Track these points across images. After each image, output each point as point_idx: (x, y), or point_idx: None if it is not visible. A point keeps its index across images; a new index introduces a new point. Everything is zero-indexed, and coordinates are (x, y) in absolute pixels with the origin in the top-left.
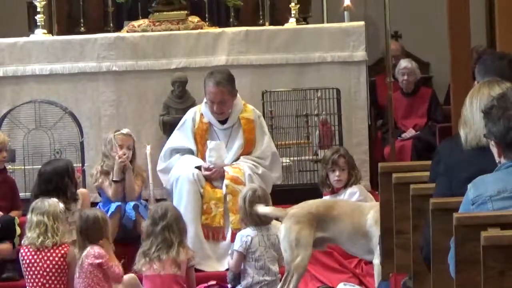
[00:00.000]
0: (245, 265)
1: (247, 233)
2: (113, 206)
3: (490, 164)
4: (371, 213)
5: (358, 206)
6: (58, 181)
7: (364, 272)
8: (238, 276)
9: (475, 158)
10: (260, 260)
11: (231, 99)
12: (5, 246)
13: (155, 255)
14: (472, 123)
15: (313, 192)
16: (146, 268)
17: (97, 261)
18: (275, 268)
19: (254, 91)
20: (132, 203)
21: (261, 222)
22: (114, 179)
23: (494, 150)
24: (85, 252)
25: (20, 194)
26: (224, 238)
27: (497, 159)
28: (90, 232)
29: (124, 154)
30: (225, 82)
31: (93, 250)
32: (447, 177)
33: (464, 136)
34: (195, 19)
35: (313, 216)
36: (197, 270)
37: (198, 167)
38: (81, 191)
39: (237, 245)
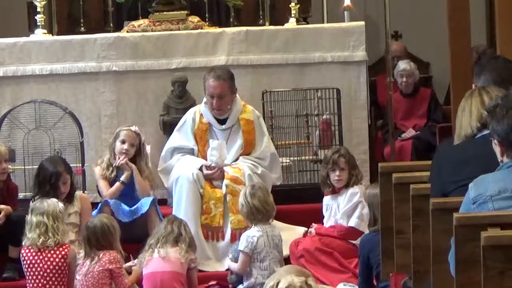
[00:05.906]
0: (249, 265)
1: (253, 234)
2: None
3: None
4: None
5: None
6: (42, 179)
7: None
8: (240, 278)
9: (464, 144)
10: (265, 261)
11: (230, 95)
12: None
13: (160, 244)
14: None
15: (313, 192)
16: (148, 254)
17: (110, 266)
18: (278, 269)
19: (254, 91)
20: (150, 198)
21: (267, 212)
22: (122, 180)
23: (497, 149)
24: (98, 257)
25: (20, 194)
26: (223, 238)
27: (499, 158)
28: (99, 241)
29: (124, 152)
30: (225, 77)
31: (109, 254)
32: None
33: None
34: (195, 19)
35: None
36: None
37: (199, 168)
38: (81, 195)
39: (243, 246)
